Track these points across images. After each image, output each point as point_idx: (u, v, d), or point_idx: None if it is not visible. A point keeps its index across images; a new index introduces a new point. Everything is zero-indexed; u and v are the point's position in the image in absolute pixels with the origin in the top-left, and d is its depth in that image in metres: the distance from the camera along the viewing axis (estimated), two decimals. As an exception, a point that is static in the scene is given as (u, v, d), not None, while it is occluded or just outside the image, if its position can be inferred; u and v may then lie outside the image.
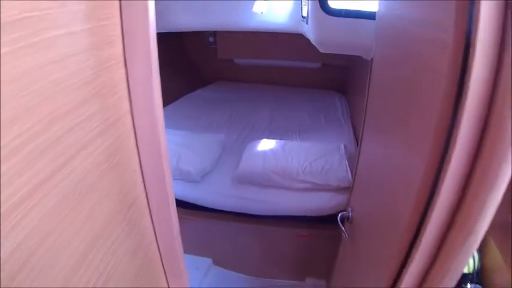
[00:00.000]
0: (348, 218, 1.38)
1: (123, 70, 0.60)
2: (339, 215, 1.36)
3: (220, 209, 2.03)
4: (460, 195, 0.63)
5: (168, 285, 0.86)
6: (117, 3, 0.55)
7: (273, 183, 1.96)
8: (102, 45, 0.53)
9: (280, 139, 2.34)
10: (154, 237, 0.76)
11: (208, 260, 2.26)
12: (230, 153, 2.30)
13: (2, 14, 0.35)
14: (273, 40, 3.22)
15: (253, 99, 3.31)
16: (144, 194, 0.69)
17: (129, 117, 0.62)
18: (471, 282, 0.82)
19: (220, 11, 2.41)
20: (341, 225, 1.37)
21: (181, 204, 2.01)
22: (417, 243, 0.70)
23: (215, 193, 2.03)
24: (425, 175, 0.66)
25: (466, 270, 0.82)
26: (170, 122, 2.58)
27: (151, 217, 0.73)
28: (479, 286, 0.83)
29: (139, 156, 0.65)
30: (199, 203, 2.05)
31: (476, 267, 0.83)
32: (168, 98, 3.01)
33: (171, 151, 1.91)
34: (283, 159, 2.01)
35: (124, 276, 0.65)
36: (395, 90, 0.95)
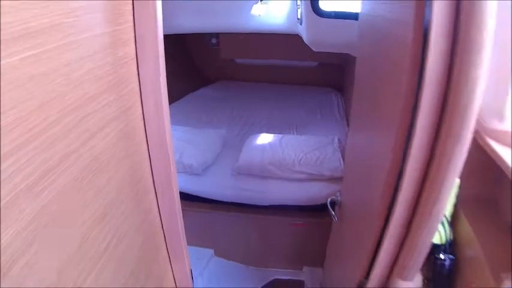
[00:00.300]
0: (337, 202, 1.49)
1: (135, 67, 0.72)
2: (329, 199, 1.47)
3: (220, 200, 2.15)
4: (422, 175, 0.71)
5: (170, 259, 0.97)
6: (130, 10, 0.67)
7: (270, 174, 2.08)
8: (118, 46, 0.65)
9: (278, 134, 2.46)
10: (158, 213, 0.88)
11: (210, 251, 2.35)
12: (230, 148, 2.42)
13: (47, 19, 0.47)
14: (272, 41, 3.33)
15: (253, 98, 3.44)
16: (150, 173, 0.81)
17: (139, 107, 0.74)
18: (444, 253, 0.87)
19: (222, 14, 2.54)
20: (330, 208, 1.48)
21: (184, 196, 2.12)
22: (389, 221, 0.78)
23: (216, 185, 2.15)
24: (394, 158, 0.76)
25: (438, 242, 0.87)
26: (173, 119, 2.68)
27: (155, 194, 0.85)
28: (452, 256, 0.87)
29: (146, 139, 0.76)
30: (201, 194, 2.16)
31: (447, 239, 0.88)
32: (172, 96, 3.12)
33: (174, 146, 2.03)
34: (280, 151, 2.14)
35: (132, 242, 0.77)
36: (373, 84, 1.05)
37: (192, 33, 3.16)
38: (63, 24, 0.51)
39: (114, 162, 0.67)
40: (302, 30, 2.26)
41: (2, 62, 0.40)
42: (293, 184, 2.09)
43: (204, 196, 2.17)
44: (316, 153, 2.12)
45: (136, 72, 0.71)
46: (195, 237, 2.24)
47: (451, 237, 0.88)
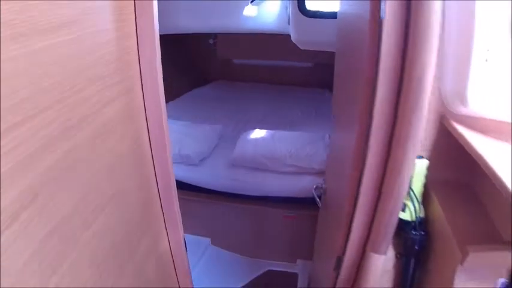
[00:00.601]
0: (322, 189, 1.67)
1: (136, 56, 0.92)
2: (314, 185, 1.65)
3: (216, 189, 2.35)
4: (385, 153, 0.81)
5: (165, 224, 1.16)
6: (132, 8, 0.88)
7: (262, 166, 2.28)
8: (124, 37, 0.86)
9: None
10: (155, 180, 1.07)
11: (207, 240, 2.53)
12: (226, 142, 2.62)
13: (71, 12, 0.67)
14: (269, 41, 3.53)
15: (250, 97, 3.65)
16: (148, 144, 1.00)
17: (139, 87, 0.94)
18: (414, 229, 0.92)
19: (218, 14, 2.76)
20: (315, 194, 1.66)
21: (182, 186, 2.32)
22: (358, 198, 0.89)
23: (212, 175, 2.36)
24: (357, 143, 0.89)
25: (409, 218, 0.92)
26: (171, 116, 2.89)
27: (153, 163, 1.04)
28: (423, 233, 0.92)
29: (145, 113, 0.96)
30: (198, 184, 2.37)
31: (417, 216, 0.91)
32: (170, 95, 3.33)
33: (172, 139, 2.23)
34: (273, 146, 2.34)
35: (132, 200, 0.96)
36: (346, 78, 1.19)
37: (191, 34, 3.36)
38: (83, 19, 0.71)
39: (120, 129, 0.86)
40: (290, 30, 2.48)
41: (46, 43, 0.59)
42: (284, 176, 2.28)
43: (200, 186, 2.38)
44: (307, 148, 2.31)
45: (137, 60, 0.91)
46: (192, 226, 2.40)
47: (422, 215, 0.93)
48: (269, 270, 2.42)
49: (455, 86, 0.78)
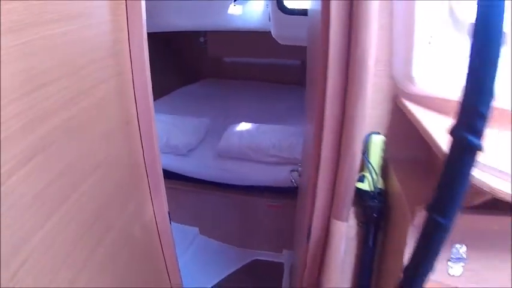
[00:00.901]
0: (298, 172, 1.81)
1: (127, 45, 1.10)
2: (291, 168, 1.81)
3: (204, 178, 2.53)
4: (339, 134, 0.96)
5: (150, 193, 1.33)
6: (124, 4, 1.06)
7: (247, 156, 2.47)
8: (117, 29, 1.06)
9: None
10: (141, 151, 1.25)
11: (195, 229, 2.68)
12: (213, 134, 2.81)
13: (74, 7, 0.81)
14: (259, 40, 3.62)
15: (239, 94, 3.83)
16: (136, 116, 1.19)
17: (130, 70, 1.13)
18: (373, 199, 1.02)
19: (207, 13, 2.97)
20: (291, 176, 1.80)
21: (170, 175, 2.48)
22: (319, 169, 1.04)
23: (199, 165, 2.55)
24: (316, 124, 1.04)
25: (368, 189, 1.03)
26: (161, 111, 3.07)
27: (140, 133, 1.21)
28: (381, 202, 1.02)
29: (134, 92, 1.16)
30: (186, 173, 2.55)
31: (376, 187, 1.02)
32: (161, 93, 3.52)
33: (161, 130, 2.40)
34: (257, 137, 2.53)
35: (122, 166, 1.14)
36: (311, 70, 1.33)
37: (182, 33, 3.55)
38: (84, 12, 0.88)
39: (113, 104, 1.06)
40: (270, 26, 2.72)
41: (55, 31, 0.76)
42: (268, 167, 2.46)
43: (188, 175, 2.55)
44: (290, 139, 2.49)
45: (128, 48, 1.08)
46: (181, 215, 2.54)
47: (381, 186, 1.03)
48: (255, 259, 2.52)
49: (403, 67, 0.89)
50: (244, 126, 2.72)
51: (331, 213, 1.09)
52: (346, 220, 1.06)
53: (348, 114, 0.92)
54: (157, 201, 1.38)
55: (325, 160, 1.03)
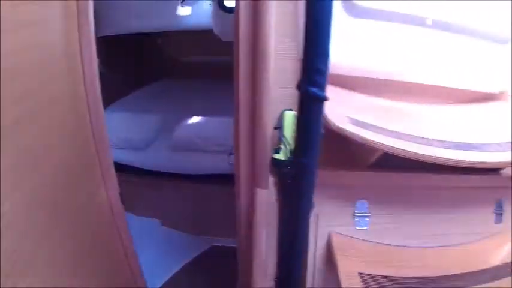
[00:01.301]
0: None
1: (78, 46, 1.30)
2: (228, 152, 2.03)
3: (160, 170, 2.76)
4: (252, 113, 1.13)
5: (102, 174, 1.49)
6: (75, 9, 1.25)
7: (199, 147, 2.75)
8: (71, 31, 1.26)
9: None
10: (92, 133, 1.41)
11: (156, 221, 2.81)
12: (169, 129, 2.99)
13: (33, 16, 1.02)
14: (214, 38, 3.87)
15: (194, 92, 4.01)
16: (87, 111, 1.37)
17: (80, 64, 1.31)
18: (287, 167, 1.09)
19: (159, 14, 3.21)
20: (228, 159, 1.97)
21: (128, 169, 2.66)
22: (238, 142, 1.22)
23: (155, 157, 2.79)
24: (236, 110, 1.23)
25: (283, 158, 1.11)
26: (119, 109, 3.27)
27: (91, 125, 1.39)
28: (294, 169, 1.00)
29: (84, 81, 1.33)
30: (144, 167, 2.77)
31: (289, 157, 1.09)
32: (118, 94, 3.67)
33: (120, 127, 2.58)
34: (207, 129, 2.83)
35: (72, 148, 1.30)
36: None
37: (141, 35, 3.71)
38: (41, 20, 1.08)
39: (66, 99, 1.24)
40: (213, 24, 3.03)
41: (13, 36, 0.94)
42: (218, 155, 2.70)
43: (146, 168, 2.77)
44: None
45: (79, 47, 1.28)
46: (141, 208, 2.67)
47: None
48: (213, 246, 2.68)
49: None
50: (195, 119, 2.99)
51: (254, 183, 1.24)
52: (267, 187, 1.19)
53: (257, 95, 1.08)
54: (109, 184, 1.53)
55: (243, 137, 1.19)
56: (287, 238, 1.03)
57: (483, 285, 1.04)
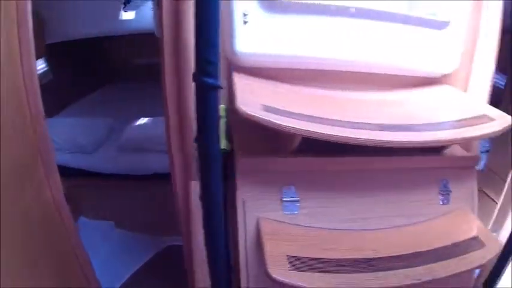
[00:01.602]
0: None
1: (18, 46, 1.33)
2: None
3: (110, 172, 2.81)
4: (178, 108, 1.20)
5: (46, 174, 1.49)
6: (15, 17, 1.28)
7: (145, 147, 2.82)
8: (11, 34, 1.27)
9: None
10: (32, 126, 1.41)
11: (110, 223, 2.75)
12: (117, 132, 3.08)
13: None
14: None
15: (142, 94, 3.98)
16: (29, 117, 1.38)
17: (19, 62, 1.33)
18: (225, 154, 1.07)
19: (103, 19, 3.26)
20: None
21: (79, 173, 2.70)
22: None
23: (105, 160, 2.83)
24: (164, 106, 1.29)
25: (225, 148, 1.09)
26: (69, 114, 3.32)
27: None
28: (227, 159, 1.06)
29: (22, 70, 1.34)
30: (94, 170, 2.81)
31: (227, 148, 1.10)
32: (68, 101, 3.72)
33: (69, 131, 2.62)
34: (153, 129, 2.89)
35: (11, 138, 1.28)
36: None
37: (89, 40, 3.71)
38: None
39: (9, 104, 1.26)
40: (155, 26, 3.03)
41: None
42: (164, 154, 2.69)
43: (96, 171, 2.81)
44: None
45: (19, 48, 1.32)
46: (94, 211, 2.67)
47: (224, 147, 1.09)
48: (169, 245, 2.65)
49: (229, 45, 1.07)
50: (142, 120, 3.08)
51: (187, 176, 1.29)
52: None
53: (182, 89, 1.14)
54: (53, 182, 1.51)
55: (173, 131, 1.27)
56: (204, 222, 1.02)
57: (423, 266, 1.01)
